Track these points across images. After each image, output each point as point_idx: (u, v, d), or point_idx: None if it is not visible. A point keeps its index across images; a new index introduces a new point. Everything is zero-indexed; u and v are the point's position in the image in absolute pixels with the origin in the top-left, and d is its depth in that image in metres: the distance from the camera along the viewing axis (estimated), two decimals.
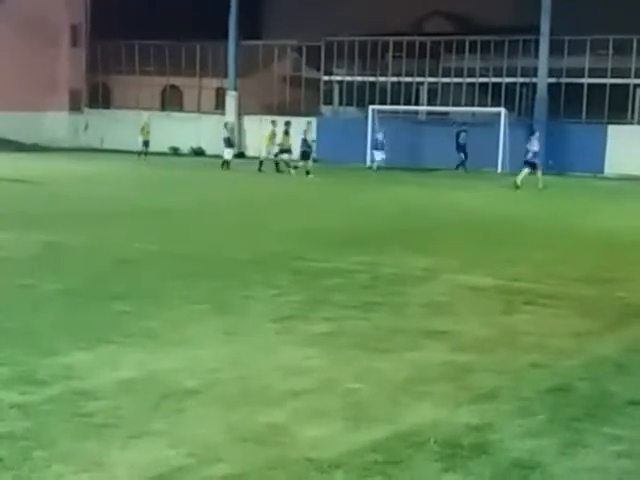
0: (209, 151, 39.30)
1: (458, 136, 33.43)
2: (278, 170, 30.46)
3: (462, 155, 33.39)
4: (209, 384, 6.27)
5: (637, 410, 6.02)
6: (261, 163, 30.69)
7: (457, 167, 33.13)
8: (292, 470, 4.82)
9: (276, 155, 30.96)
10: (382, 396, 6.16)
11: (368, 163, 33.41)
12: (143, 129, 35.53)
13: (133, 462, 4.86)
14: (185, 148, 39.75)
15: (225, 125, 33.87)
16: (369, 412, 5.81)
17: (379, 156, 32.64)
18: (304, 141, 30.23)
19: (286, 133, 30.85)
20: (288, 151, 30.83)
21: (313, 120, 33.41)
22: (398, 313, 8.89)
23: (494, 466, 4.94)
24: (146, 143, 35.34)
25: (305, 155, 29.97)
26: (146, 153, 34.88)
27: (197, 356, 7.00)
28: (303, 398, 6.05)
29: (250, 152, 39.19)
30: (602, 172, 32.75)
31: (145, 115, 37.29)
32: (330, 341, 7.60)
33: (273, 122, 31.71)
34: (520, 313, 9.04)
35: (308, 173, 28.98)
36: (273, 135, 31.15)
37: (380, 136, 32.69)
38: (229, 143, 32.88)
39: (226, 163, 31.68)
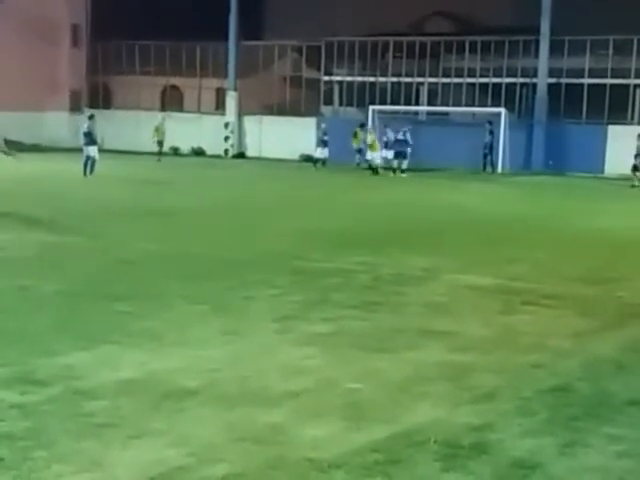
0: (209, 151, 39.31)
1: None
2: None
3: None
4: (209, 384, 6.28)
5: (637, 410, 6.02)
6: (376, 169, 30.98)
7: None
8: (292, 470, 4.82)
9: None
10: (382, 396, 6.16)
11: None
12: (158, 129, 35.24)
13: (133, 462, 4.86)
14: (185, 148, 39.72)
15: (322, 128, 33.88)
16: (369, 412, 5.81)
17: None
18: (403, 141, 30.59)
19: (355, 135, 32.14)
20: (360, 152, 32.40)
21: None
22: (398, 313, 8.90)
23: (494, 466, 4.95)
24: (160, 143, 35.24)
25: (401, 154, 30.39)
26: (160, 153, 34.78)
27: (197, 356, 7.00)
28: (303, 398, 6.05)
29: (250, 152, 39.24)
30: (602, 172, 32.71)
31: (160, 116, 37.24)
32: (330, 341, 7.61)
33: (362, 126, 32.80)
34: (520, 313, 9.05)
35: (402, 172, 29.79)
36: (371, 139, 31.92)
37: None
38: (322, 143, 33.49)
39: (322, 162, 32.89)
